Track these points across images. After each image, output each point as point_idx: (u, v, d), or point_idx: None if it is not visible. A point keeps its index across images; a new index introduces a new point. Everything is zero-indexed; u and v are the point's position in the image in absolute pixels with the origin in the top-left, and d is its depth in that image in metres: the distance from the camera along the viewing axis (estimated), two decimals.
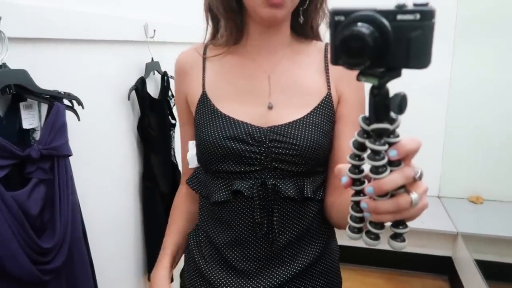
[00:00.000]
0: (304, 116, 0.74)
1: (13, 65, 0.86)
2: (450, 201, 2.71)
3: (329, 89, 0.77)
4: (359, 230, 0.47)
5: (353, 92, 0.77)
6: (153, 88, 1.50)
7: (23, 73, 0.87)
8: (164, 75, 1.52)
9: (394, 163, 0.42)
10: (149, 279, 1.56)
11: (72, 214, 0.98)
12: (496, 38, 2.39)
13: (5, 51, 0.84)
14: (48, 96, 0.94)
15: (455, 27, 2.54)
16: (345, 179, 0.44)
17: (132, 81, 1.36)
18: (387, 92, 0.40)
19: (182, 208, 0.93)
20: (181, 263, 0.96)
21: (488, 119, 2.50)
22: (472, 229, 2.33)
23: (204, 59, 0.82)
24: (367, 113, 0.42)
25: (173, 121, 1.57)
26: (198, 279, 0.82)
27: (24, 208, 0.85)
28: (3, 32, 0.83)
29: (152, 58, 1.45)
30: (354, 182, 0.45)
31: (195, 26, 1.81)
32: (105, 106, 1.26)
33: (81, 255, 1.02)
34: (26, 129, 0.93)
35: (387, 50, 0.37)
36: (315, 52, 0.80)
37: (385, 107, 0.40)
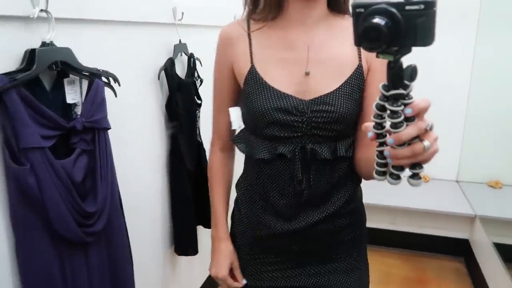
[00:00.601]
0: (339, 86, 0.83)
1: (58, 43, 0.93)
2: (469, 186, 2.72)
3: (360, 61, 0.85)
4: (383, 173, 0.58)
5: (380, 63, 0.82)
6: (180, 69, 1.57)
7: (68, 51, 0.95)
8: (191, 56, 1.58)
9: (409, 119, 0.52)
10: (175, 251, 1.65)
11: (111, 183, 1.06)
12: None
13: (52, 30, 0.91)
14: (88, 73, 1.02)
15: (480, 10, 2.51)
16: (370, 134, 0.55)
17: (161, 62, 1.43)
18: (401, 65, 0.51)
19: (223, 166, 1.02)
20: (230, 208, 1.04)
21: (510, 103, 2.48)
22: (491, 212, 2.35)
23: (249, 34, 0.89)
24: (386, 82, 0.52)
25: (198, 101, 1.63)
26: (246, 221, 0.96)
27: (70, 175, 0.94)
28: (50, 13, 0.90)
29: (180, 40, 1.51)
30: (378, 136, 0.56)
31: (222, 10, 1.86)
32: (137, 85, 1.33)
33: (119, 221, 1.11)
34: (69, 103, 1.01)
35: (399, 34, 0.47)
36: (348, 26, 0.85)
37: (399, 77, 0.51)
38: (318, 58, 0.85)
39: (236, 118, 0.93)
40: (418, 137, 0.53)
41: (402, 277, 2.38)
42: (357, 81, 0.85)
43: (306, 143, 0.84)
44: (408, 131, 0.51)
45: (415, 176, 0.55)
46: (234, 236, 0.99)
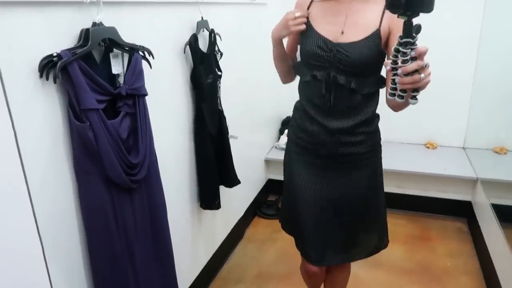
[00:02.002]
0: (359, 40, 1.22)
1: (105, 23, 1.12)
2: (475, 152, 2.85)
3: (380, 26, 1.22)
4: (393, 95, 0.92)
5: (398, 26, 1.18)
6: (202, 44, 1.75)
7: (113, 30, 1.14)
8: (212, 32, 1.76)
9: (413, 59, 0.84)
10: (200, 205, 1.88)
11: (149, 141, 1.27)
12: None
13: (101, 12, 1.10)
14: (129, 48, 1.21)
15: None
16: (388, 67, 0.90)
17: (186, 37, 1.61)
18: (411, 23, 0.81)
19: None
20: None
21: None
22: (492, 175, 2.49)
23: (310, 2, 1.34)
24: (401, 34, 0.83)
25: (219, 73, 1.81)
26: (293, 125, 1.45)
27: (118, 132, 1.15)
28: None
29: (202, 17, 1.68)
30: (393, 69, 0.88)
31: None
32: (166, 58, 1.52)
33: (156, 173, 1.33)
34: (113, 74, 1.21)
35: (412, 3, 0.77)
36: (377, 1, 1.25)
37: (409, 31, 0.81)
38: (351, 22, 1.24)
39: (297, 54, 1.43)
40: (418, 71, 0.85)
41: (406, 235, 2.57)
42: (374, 39, 1.21)
43: (331, 71, 1.25)
44: (411, 65, 0.84)
45: (413, 97, 0.88)
46: (288, 136, 1.49)
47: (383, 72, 1.26)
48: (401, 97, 0.90)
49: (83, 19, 1.10)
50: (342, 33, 1.23)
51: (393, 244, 2.45)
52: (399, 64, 0.86)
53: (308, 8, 1.32)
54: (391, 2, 0.78)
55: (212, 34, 1.76)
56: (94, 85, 1.07)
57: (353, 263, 1.58)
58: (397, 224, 2.67)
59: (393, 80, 0.89)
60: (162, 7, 1.46)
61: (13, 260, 0.93)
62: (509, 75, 2.59)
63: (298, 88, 1.40)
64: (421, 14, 0.79)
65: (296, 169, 1.41)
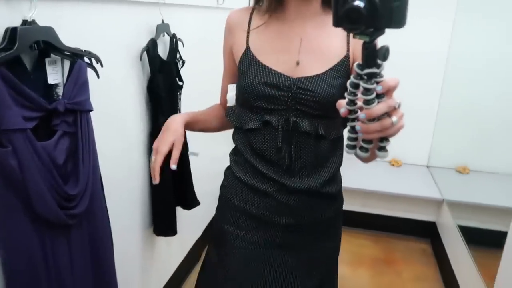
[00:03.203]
0: (324, 72, 0.93)
1: (39, 22, 0.91)
2: (438, 171, 2.84)
3: (348, 51, 0.95)
4: (353, 147, 0.65)
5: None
6: (162, 50, 1.55)
7: (50, 30, 0.92)
8: (173, 37, 1.56)
9: (379, 96, 0.57)
10: (154, 231, 1.67)
11: (93, 165, 1.06)
12: (495, 14, 2.43)
13: (34, 8, 0.88)
14: (71, 53, 1.00)
15: (457, 2, 2.57)
16: (343, 110, 0.62)
17: (143, 42, 1.40)
18: (375, 45, 0.55)
19: (215, 107, 1.16)
20: (220, 179, 1.10)
21: (480, 95, 2.58)
22: (457, 196, 2.47)
23: (249, 22, 1.00)
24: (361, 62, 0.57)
25: (180, 83, 1.62)
26: (237, 184, 1.04)
27: (51, 157, 0.93)
28: None
29: (163, 20, 1.48)
30: (350, 112, 0.62)
31: None
32: (119, 66, 1.31)
33: (100, 203, 1.11)
34: (50, 84, 0.99)
35: (376, 16, 0.51)
36: None
37: (373, 56, 0.55)
38: (308, 49, 0.95)
39: (231, 95, 1.03)
40: (387, 114, 0.59)
41: (372, 258, 2.49)
42: (343, 69, 0.94)
43: (290, 116, 0.94)
44: (379, 107, 0.57)
45: (382, 148, 0.63)
46: (223, 188, 1.10)
47: None
48: (365, 150, 0.62)
49: (9, 15, 0.88)
50: (298, 63, 0.94)
51: (359, 268, 2.37)
52: (359, 104, 0.60)
53: (248, 28, 0.99)
54: (345, 14, 0.51)
55: (174, 40, 1.57)
56: (21, 98, 0.85)
57: None
58: (362, 245, 2.58)
59: (352, 128, 0.62)
60: (115, 6, 1.25)
61: None
62: (473, 96, 2.61)
63: (234, 138, 1.06)
64: (387, 30, 0.54)
65: (233, 249, 1.03)
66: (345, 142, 0.66)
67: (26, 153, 0.86)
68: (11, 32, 0.85)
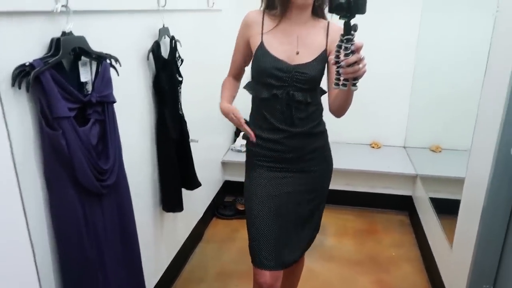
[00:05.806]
0: (312, 60, 1.39)
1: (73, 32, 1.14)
2: (414, 150, 3.12)
3: (326, 46, 1.41)
4: (337, 84, 1.11)
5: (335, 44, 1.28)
6: (163, 51, 1.78)
7: (82, 38, 1.16)
8: (172, 39, 1.80)
9: (353, 52, 1.04)
10: (163, 208, 1.92)
11: (118, 147, 1.30)
12: (460, 6, 2.69)
13: (71, 22, 1.12)
14: (98, 56, 1.24)
15: None
16: (332, 61, 1.08)
17: (149, 45, 1.64)
18: (350, 23, 1.01)
19: (231, 81, 1.60)
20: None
21: (449, 80, 2.84)
22: (429, 171, 2.75)
23: (262, 23, 1.43)
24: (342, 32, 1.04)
25: (180, 79, 1.86)
26: (258, 140, 1.50)
27: (88, 139, 1.17)
28: (69, 7, 1.11)
29: (163, 24, 1.72)
30: (336, 62, 1.08)
31: None
32: (131, 65, 1.55)
33: (124, 178, 1.36)
34: (82, 82, 1.22)
35: (351, 7, 0.98)
36: (322, 26, 1.45)
37: (349, 29, 1.01)
38: (303, 43, 1.41)
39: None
40: (357, 63, 1.05)
41: (355, 229, 2.76)
42: (323, 57, 1.41)
43: (290, 90, 1.40)
44: (352, 58, 1.04)
45: (354, 85, 1.10)
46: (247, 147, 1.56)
47: (323, 84, 1.48)
48: (345, 85, 1.09)
49: (51, 28, 1.11)
50: (297, 53, 1.39)
51: (344, 238, 2.65)
52: (341, 58, 1.05)
53: (262, 28, 1.42)
54: (335, 7, 0.98)
55: (173, 41, 1.81)
56: (65, 93, 1.09)
57: (307, 257, 1.72)
58: (346, 220, 2.85)
59: (337, 71, 1.08)
60: (126, 15, 1.49)
61: None
62: (443, 79, 2.84)
63: (253, 103, 1.51)
64: (357, 16, 1.00)
65: (256, 173, 1.50)
66: (332, 83, 1.13)
67: (71, 135, 1.10)
68: (56, 42, 1.09)
